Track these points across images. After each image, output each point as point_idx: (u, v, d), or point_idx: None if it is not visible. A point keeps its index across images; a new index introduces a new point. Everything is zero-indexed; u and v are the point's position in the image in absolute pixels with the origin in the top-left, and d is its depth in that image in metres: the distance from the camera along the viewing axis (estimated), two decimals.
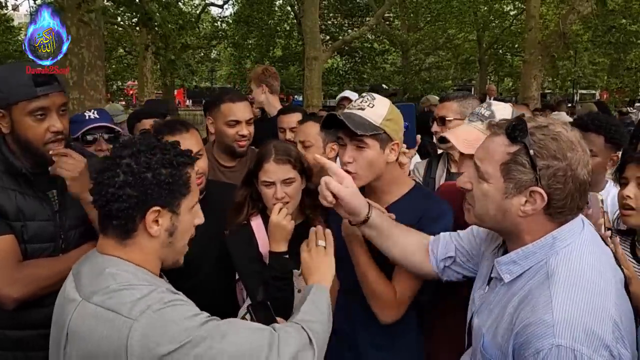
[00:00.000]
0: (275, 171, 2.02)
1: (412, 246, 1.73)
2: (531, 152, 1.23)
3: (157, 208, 1.29)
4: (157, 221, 1.31)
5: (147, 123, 3.08)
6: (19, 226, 1.81)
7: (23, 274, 1.77)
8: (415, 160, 3.11)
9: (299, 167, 2.09)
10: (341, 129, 1.81)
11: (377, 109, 1.81)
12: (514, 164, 1.26)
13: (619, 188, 2.09)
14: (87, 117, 2.88)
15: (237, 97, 2.79)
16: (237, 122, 2.70)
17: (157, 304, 1.20)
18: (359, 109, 1.82)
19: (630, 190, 1.99)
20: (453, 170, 2.78)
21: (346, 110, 1.86)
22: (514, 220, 1.30)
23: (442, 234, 1.77)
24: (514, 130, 1.25)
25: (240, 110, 2.71)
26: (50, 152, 1.82)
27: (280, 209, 1.98)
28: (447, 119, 2.61)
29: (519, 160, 1.25)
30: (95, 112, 2.95)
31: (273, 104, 3.72)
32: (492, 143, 1.33)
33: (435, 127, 2.69)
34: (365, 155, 1.80)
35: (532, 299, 1.22)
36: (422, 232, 1.79)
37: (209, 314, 1.28)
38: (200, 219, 1.44)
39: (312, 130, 2.58)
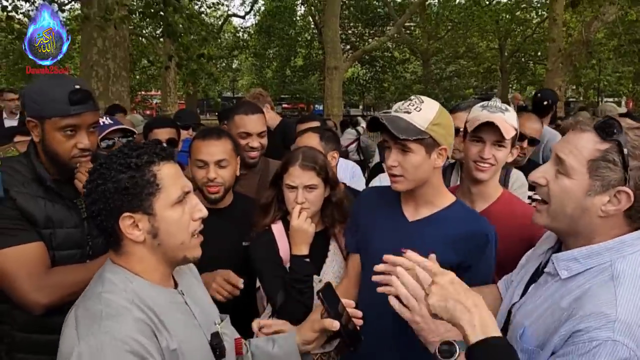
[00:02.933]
0: (299, 176, 2.06)
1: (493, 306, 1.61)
2: (625, 150, 1.21)
3: (128, 214, 1.28)
4: (137, 226, 1.30)
5: (158, 133, 3.17)
6: (47, 233, 1.86)
7: (52, 281, 1.81)
8: None
9: (324, 175, 2.11)
10: (384, 132, 1.79)
11: (424, 113, 1.78)
12: (604, 161, 1.23)
13: None
14: (101, 123, 2.84)
15: (250, 110, 2.83)
16: (248, 135, 2.75)
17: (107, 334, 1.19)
18: (405, 112, 1.79)
19: None
20: None
21: (392, 114, 1.84)
22: (591, 220, 1.27)
23: (499, 281, 1.76)
24: (608, 127, 1.24)
25: (251, 123, 2.76)
26: (77, 165, 1.88)
27: (300, 213, 2.01)
28: (460, 129, 2.60)
29: (609, 157, 1.23)
30: (108, 117, 2.96)
31: (275, 119, 4.14)
32: (580, 139, 1.28)
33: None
34: (410, 159, 1.77)
35: (593, 295, 1.21)
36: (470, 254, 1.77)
37: None
38: (200, 212, 1.38)
39: (312, 140, 2.61)
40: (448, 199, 1.95)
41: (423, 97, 1.86)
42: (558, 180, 1.31)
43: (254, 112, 2.83)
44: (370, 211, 2.01)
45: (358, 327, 1.54)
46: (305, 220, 2.01)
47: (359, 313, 1.59)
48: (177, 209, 1.33)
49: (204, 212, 1.39)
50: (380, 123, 1.75)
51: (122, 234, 1.30)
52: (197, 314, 1.42)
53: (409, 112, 1.79)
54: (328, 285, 1.60)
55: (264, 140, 2.82)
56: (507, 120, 2.07)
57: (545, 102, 4.61)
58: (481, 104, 2.20)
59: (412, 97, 1.87)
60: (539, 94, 4.85)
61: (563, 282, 1.32)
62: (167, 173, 1.33)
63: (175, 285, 1.44)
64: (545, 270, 1.40)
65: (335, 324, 1.50)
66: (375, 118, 1.80)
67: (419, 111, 1.78)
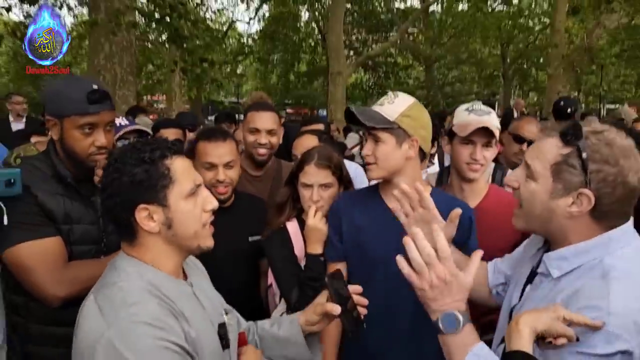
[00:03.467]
0: (314, 174, 2.11)
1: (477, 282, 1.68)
2: (584, 155, 1.25)
3: (143, 206, 1.33)
4: (151, 218, 1.35)
5: (165, 133, 3.22)
6: (66, 229, 1.91)
7: (69, 274, 1.85)
8: (433, 170, 3.18)
9: (338, 174, 2.17)
10: (359, 124, 1.91)
11: (394, 106, 1.90)
12: (566, 165, 1.28)
13: None
14: (117, 124, 2.82)
15: (261, 107, 2.87)
16: (257, 130, 2.75)
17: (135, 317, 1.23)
18: (378, 104, 1.94)
19: None
20: None
21: (367, 107, 1.98)
22: (559, 221, 1.32)
23: (489, 263, 1.81)
24: (569, 132, 1.28)
25: (261, 119, 2.77)
26: (96, 163, 1.93)
27: (316, 212, 2.06)
28: None
29: (570, 162, 1.27)
30: (124, 118, 2.95)
31: None
32: (545, 144, 1.34)
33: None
34: (380, 148, 1.89)
35: (586, 291, 1.23)
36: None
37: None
38: (211, 204, 1.44)
39: (310, 142, 2.67)
40: (426, 188, 2.02)
41: (399, 93, 1.99)
42: (527, 184, 1.36)
43: (265, 109, 2.86)
44: (353, 215, 2.03)
45: (362, 316, 1.57)
46: (320, 220, 2.05)
47: (365, 301, 1.62)
48: (189, 201, 1.39)
49: (215, 204, 1.45)
50: (353, 115, 1.89)
51: (138, 226, 1.35)
52: (205, 305, 1.48)
53: (382, 105, 1.92)
54: (337, 271, 1.63)
55: (274, 139, 2.81)
56: (493, 122, 2.18)
57: (568, 110, 4.64)
58: (465, 107, 2.28)
59: (390, 93, 1.99)
60: (561, 102, 4.85)
61: (555, 281, 1.34)
62: (180, 166, 1.39)
63: (185, 278, 1.50)
64: (538, 270, 1.42)
65: (336, 309, 1.53)
66: (348, 109, 1.94)
67: (391, 104, 1.91)
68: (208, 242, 1.46)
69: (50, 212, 1.89)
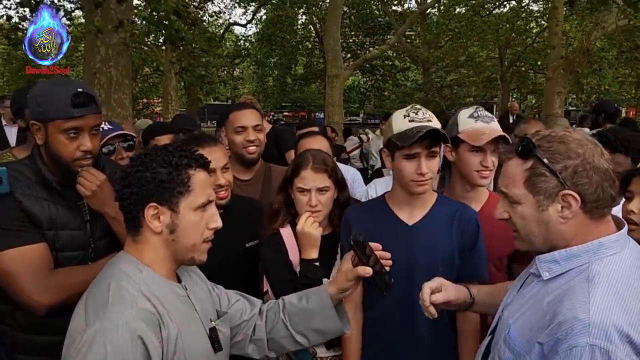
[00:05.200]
0: (311, 179, 2.08)
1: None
2: (545, 160, 1.29)
3: (154, 204, 1.40)
4: (158, 218, 1.41)
5: (160, 140, 3.17)
6: (51, 235, 1.88)
7: (55, 282, 1.82)
8: None
9: (334, 177, 2.14)
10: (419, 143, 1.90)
11: (435, 119, 1.98)
12: (534, 176, 1.32)
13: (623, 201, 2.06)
14: (100, 129, 2.86)
15: (243, 106, 2.86)
16: (244, 129, 2.74)
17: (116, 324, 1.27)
18: (427, 121, 1.95)
19: (635, 205, 1.98)
20: None
21: (425, 123, 1.94)
22: (557, 229, 1.33)
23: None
24: (524, 148, 1.34)
25: (246, 117, 2.76)
26: (78, 170, 1.90)
27: (307, 219, 2.02)
28: None
29: (537, 172, 1.31)
30: (107, 123, 2.90)
31: (266, 126, 4.07)
32: (509, 167, 1.40)
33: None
34: (436, 162, 1.97)
35: (569, 298, 1.25)
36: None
37: None
38: (215, 223, 1.50)
39: (320, 144, 2.63)
40: (433, 195, 2.07)
41: (418, 106, 2.01)
42: (515, 210, 1.39)
43: (247, 107, 2.85)
44: (363, 227, 2.02)
45: (387, 268, 1.65)
46: (311, 225, 2.02)
47: (387, 254, 1.69)
48: (197, 214, 1.46)
49: (219, 224, 1.51)
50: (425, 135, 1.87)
51: (144, 222, 1.42)
52: (198, 308, 1.53)
53: (430, 120, 1.94)
54: (356, 235, 1.65)
55: (262, 136, 2.80)
56: (499, 127, 2.19)
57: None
58: (467, 113, 2.22)
59: (417, 106, 2.01)
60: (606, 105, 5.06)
61: (545, 283, 1.37)
62: (200, 179, 1.46)
63: (179, 282, 1.55)
64: (531, 270, 1.45)
65: (368, 270, 1.61)
66: (436, 130, 1.90)
67: (433, 118, 1.97)
68: (202, 257, 1.51)
69: (35, 217, 1.86)
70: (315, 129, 3.12)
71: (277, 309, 1.75)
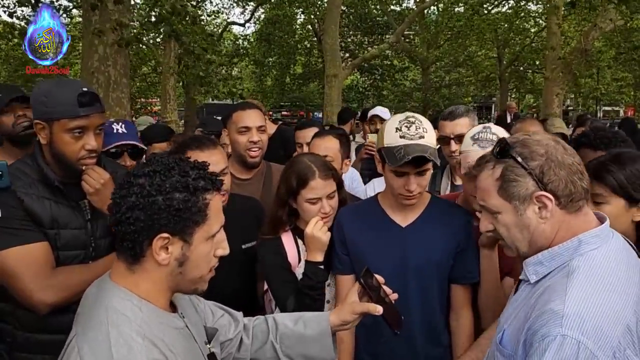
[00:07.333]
0: (322, 187, 2.05)
1: None
2: (519, 159, 1.33)
3: (166, 235, 1.20)
4: (166, 248, 1.22)
5: (158, 147, 3.15)
6: (52, 234, 1.88)
7: (57, 280, 1.82)
8: None
9: (337, 178, 2.14)
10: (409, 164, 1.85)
11: (430, 133, 1.92)
12: (505, 183, 1.35)
13: None
14: (114, 131, 2.76)
15: (247, 106, 2.83)
16: (248, 129, 2.71)
17: None
18: (419, 137, 1.89)
19: None
20: (457, 182, 2.81)
21: (415, 141, 1.88)
22: (539, 229, 1.35)
23: None
24: (502, 149, 1.37)
25: (250, 117, 2.73)
26: (83, 168, 1.90)
27: (316, 222, 2.00)
28: (462, 135, 2.60)
29: (507, 178, 1.35)
30: (124, 125, 2.82)
31: (271, 127, 3.99)
32: (480, 181, 1.44)
33: (454, 146, 2.60)
34: (427, 178, 1.96)
35: (548, 293, 1.27)
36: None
37: None
38: (223, 250, 1.34)
39: (334, 145, 2.62)
40: (426, 197, 2.07)
41: (418, 116, 1.95)
42: (497, 220, 1.42)
43: (251, 107, 2.82)
44: (357, 228, 2.04)
45: (393, 301, 1.59)
46: (321, 229, 2.00)
47: (395, 295, 1.64)
48: (209, 243, 1.28)
49: (226, 252, 1.35)
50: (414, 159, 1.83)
51: (149, 251, 1.22)
52: (196, 336, 1.40)
53: (422, 137, 1.88)
54: (367, 269, 1.62)
55: (265, 137, 2.77)
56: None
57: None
58: (472, 136, 2.00)
59: (411, 118, 1.92)
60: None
61: (533, 286, 1.39)
62: (215, 205, 1.28)
63: (175, 309, 1.38)
64: (520, 277, 1.47)
65: (379, 309, 1.53)
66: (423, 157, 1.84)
67: (427, 132, 1.90)
68: (204, 287, 1.35)
69: (36, 216, 1.86)
70: (315, 129, 3.10)
71: (266, 329, 1.64)
